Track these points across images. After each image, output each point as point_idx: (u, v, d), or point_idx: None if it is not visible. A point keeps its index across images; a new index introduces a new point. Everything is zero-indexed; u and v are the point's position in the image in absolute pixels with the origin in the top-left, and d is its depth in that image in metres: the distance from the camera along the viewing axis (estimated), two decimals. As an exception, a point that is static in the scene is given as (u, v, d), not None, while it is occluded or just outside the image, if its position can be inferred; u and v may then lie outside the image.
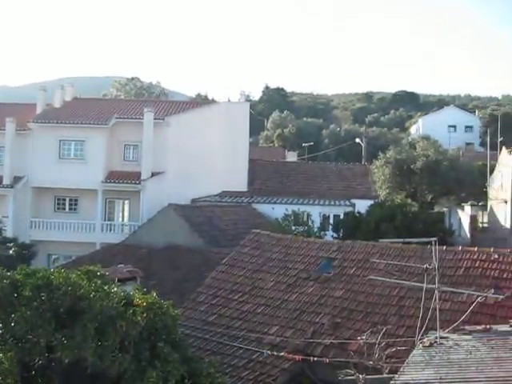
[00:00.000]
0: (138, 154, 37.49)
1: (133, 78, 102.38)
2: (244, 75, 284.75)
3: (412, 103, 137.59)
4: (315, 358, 12.62)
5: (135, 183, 36.06)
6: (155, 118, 36.81)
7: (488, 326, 10.93)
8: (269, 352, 13.35)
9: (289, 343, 13.79)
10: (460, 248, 16.78)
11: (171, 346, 10.25)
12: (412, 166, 50.69)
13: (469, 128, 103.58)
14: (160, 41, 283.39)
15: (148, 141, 36.12)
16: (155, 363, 9.77)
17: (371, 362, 10.51)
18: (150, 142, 36.07)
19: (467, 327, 10.99)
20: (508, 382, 7.37)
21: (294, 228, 27.27)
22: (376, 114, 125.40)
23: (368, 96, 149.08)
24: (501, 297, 12.49)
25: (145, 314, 10.14)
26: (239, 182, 39.09)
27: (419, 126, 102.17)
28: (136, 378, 9.57)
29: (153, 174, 36.21)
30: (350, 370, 9.98)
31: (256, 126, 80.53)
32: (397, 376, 8.36)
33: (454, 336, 10.38)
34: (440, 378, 8.05)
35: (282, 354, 13.13)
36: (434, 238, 10.34)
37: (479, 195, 47.66)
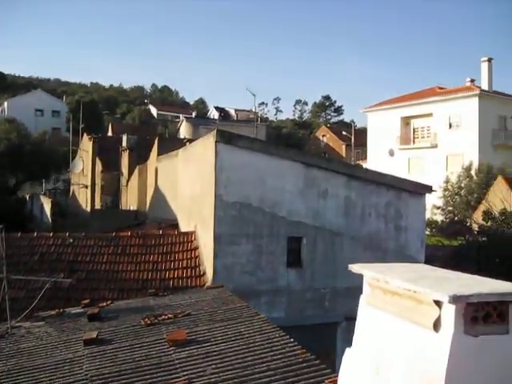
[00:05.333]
0: None
1: None
2: None
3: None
4: None
5: None
6: None
7: (62, 310, 11.07)
8: None
9: None
10: (36, 234, 16.67)
11: None
12: (-7, 150, 48.62)
13: (56, 113, 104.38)
14: None
15: None
16: None
17: None
18: None
19: (41, 313, 10.97)
20: (73, 362, 7.64)
21: None
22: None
23: None
24: (68, 281, 12.76)
25: None
26: None
27: (5, 108, 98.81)
28: None
29: None
30: None
31: None
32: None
33: (27, 324, 10.25)
34: (8, 370, 7.82)
35: None
36: (1, 226, 10.00)
37: (64, 180, 48.50)
